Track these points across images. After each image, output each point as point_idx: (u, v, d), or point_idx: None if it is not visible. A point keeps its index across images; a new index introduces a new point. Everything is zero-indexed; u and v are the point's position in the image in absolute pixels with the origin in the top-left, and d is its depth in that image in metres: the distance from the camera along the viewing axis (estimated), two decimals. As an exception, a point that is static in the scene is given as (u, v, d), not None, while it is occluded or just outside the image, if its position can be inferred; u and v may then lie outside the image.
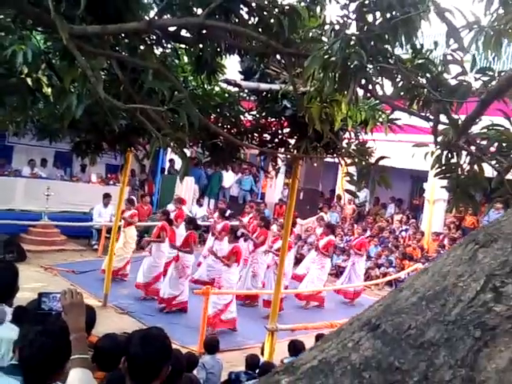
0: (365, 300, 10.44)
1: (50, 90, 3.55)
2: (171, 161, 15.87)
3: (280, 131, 5.24)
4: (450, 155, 2.91)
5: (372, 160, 3.39)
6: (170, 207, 12.04)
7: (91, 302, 7.89)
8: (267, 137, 5.35)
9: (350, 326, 1.01)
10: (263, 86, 4.32)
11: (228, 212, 11.49)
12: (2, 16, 3.02)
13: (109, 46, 3.06)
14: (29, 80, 3.36)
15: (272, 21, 2.82)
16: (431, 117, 2.92)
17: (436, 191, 12.27)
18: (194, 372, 4.78)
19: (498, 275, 0.93)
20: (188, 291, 8.48)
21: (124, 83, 2.99)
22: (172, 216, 10.04)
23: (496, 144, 2.75)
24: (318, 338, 5.77)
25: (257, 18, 3.10)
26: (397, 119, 4.11)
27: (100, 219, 12.08)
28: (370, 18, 2.50)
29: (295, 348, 5.34)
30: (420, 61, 2.84)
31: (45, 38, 3.52)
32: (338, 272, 12.15)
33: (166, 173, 15.73)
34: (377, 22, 2.39)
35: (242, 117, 5.25)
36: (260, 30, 3.06)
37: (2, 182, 11.77)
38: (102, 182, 13.71)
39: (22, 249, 10.21)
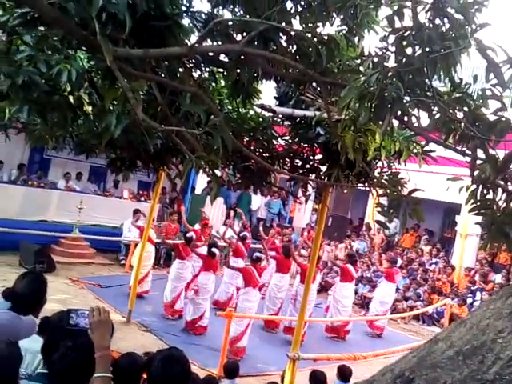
0: (390, 333, 10.20)
1: (90, 108, 3.66)
2: (209, 182, 16.02)
3: (312, 157, 5.24)
4: (485, 191, 2.85)
5: (404, 191, 3.36)
6: (197, 226, 12.13)
7: (115, 317, 7.95)
8: (299, 162, 5.36)
9: (383, 377, 0.98)
10: (297, 112, 4.34)
11: (243, 233, 11.54)
12: (49, 36, 3.15)
13: (149, 68, 3.15)
14: (71, 98, 3.48)
15: (310, 49, 2.86)
16: (467, 151, 2.88)
17: (469, 225, 11.99)
18: (213, 396, 4.73)
19: (540, 333, 0.88)
20: (209, 314, 8.45)
21: (162, 105, 3.06)
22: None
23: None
24: (340, 369, 5.64)
25: (295, 47, 3.15)
26: (431, 151, 4.06)
27: (129, 234, 12.24)
28: (408, 50, 2.50)
29: (316, 379, 5.23)
30: (458, 94, 2.82)
31: (88, 57, 3.65)
32: (363, 302, 11.92)
33: (197, 192, 15.88)
34: (416, 55, 2.38)
35: (274, 141, 5.29)
36: (298, 58, 3.11)
37: (38, 194, 12.11)
38: (134, 198, 13.93)
39: (52, 260, 10.41)
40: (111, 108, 3.40)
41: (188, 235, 9.51)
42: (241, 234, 11.52)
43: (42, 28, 3.12)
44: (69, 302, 7.88)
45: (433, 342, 1.01)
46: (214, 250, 8.71)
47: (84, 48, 3.41)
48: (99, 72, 3.40)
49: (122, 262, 12.27)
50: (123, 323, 8.09)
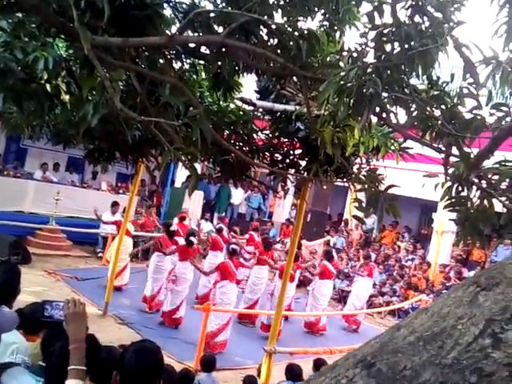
0: (366, 328, 10.32)
1: (67, 97, 3.60)
2: (189, 176, 15.95)
3: (291, 152, 5.26)
4: (460, 188, 2.90)
5: (382, 187, 3.39)
6: (175, 221, 12.09)
7: (92, 310, 7.87)
8: (278, 157, 5.37)
9: (345, 362, 1.00)
10: (278, 106, 4.35)
11: (218, 226, 11.65)
12: (26, 22, 3.08)
13: (129, 58, 3.11)
14: (48, 86, 3.42)
15: (291, 44, 2.86)
16: (443, 148, 2.92)
17: (445, 222, 12.18)
18: (189, 389, 4.73)
19: (498, 320, 0.91)
20: (185, 307, 8.44)
21: (141, 95, 3.03)
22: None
23: (508, 180, 2.74)
24: (316, 363, 5.69)
25: (276, 40, 3.15)
26: (409, 148, 4.11)
27: (106, 227, 12.11)
28: (388, 47, 2.52)
29: (292, 372, 5.27)
30: (436, 92, 2.85)
31: (67, 46, 3.59)
32: (341, 297, 12.04)
33: (177, 185, 15.80)
34: (394, 52, 2.41)
35: (254, 135, 5.28)
36: (278, 51, 3.11)
37: (14, 184, 11.87)
38: (112, 191, 13.78)
39: (28, 252, 10.23)
40: (89, 98, 3.36)
41: (171, 228, 9.48)
42: (217, 227, 11.57)
43: (18, 14, 3.06)
44: (44, 294, 7.75)
45: (395, 329, 1.03)
46: (191, 238, 8.72)
47: (62, 36, 3.36)
48: (77, 61, 3.34)
49: (100, 254, 12.14)
50: (99, 316, 8.02)
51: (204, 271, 8.94)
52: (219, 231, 11.19)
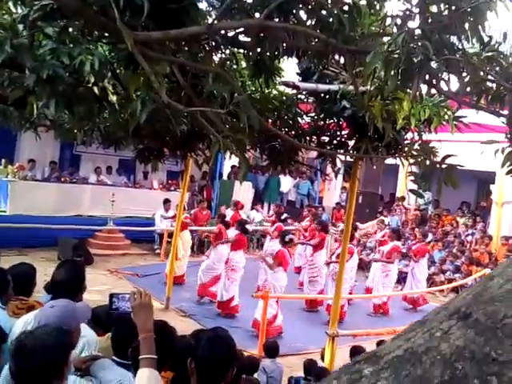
0: (429, 307, 10.07)
1: (115, 97, 3.68)
2: (233, 167, 16.06)
3: (338, 132, 5.16)
4: (523, 152, 2.75)
5: (436, 160, 3.26)
6: (229, 212, 12.21)
7: (154, 304, 8.07)
8: (325, 139, 5.28)
9: (437, 316, 0.96)
10: (322, 86, 4.27)
11: (284, 215, 11.63)
12: (70, 27, 3.16)
13: (169, 52, 3.13)
14: (95, 89, 3.51)
15: (331, 19, 2.78)
16: (502, 112, 2.78)
17: (505, 193, 11.67)
18: (255, 375, 4.78)
19: None
20: (237, 295, 8.52)
21: (185, 88, 3.05)
22: (229, 219, 10.23)
23: None
24: (380, 344, 5.60)
25: (315, 18, 3.08)
26: (463, 117, 3.93)
27: (161, 224, 12.40)
28: (433, 9, 2.41)
29: (357, 354, 5.21)
30: (489, 53, 2.71)
31: (109, 49, 3.66)
32: (400, 277, 11.79)
33: (225, 178, 15.94)
34: (442, 14, 2.29)
35: (299, 119, 5.22)
36: (318, 29, 3.04)
37: (71, 189, 12.37)
38: (164, 188, 14.08)
39: (90, 253, 10.61)
40: (134, 97, 3.42)
41: (227, 219, 9.64)
42: (282, 217, 11.63)
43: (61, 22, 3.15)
44: (108, 292, 8.05)
45: (487, 279, 0.98)
46: (246, 226, 8.83)
47: (104, 38, 3.43)
48: (120, 62, 3.41)
49: (157, 251, 12.46)
50: (162, 310, 8.25)
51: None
52: (284, 221, 11.27)
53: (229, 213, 12.12)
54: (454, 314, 0.92)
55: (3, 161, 12.37)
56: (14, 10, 3.28)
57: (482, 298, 0.92)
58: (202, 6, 3.46)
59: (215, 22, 2.70)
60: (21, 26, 2.98)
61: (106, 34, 3.22)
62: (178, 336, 2.76)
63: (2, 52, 2.70)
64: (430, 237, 12.18)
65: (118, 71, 3.70)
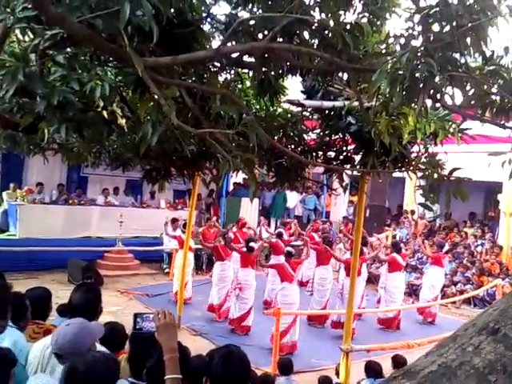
0: (442, 319, 9.99)
1: (123, 121, 3.75)
2: (238, 184, 16.13)
3: (344, 148, 5.20)
4: (530, 163, 2.77)
5: (444, 172, 3.29)
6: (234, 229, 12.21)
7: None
8: (332, 154, 5.32)
9: (466, 332, 1.00)
10: (326, 103, 4.32)
11: (278, 230, 11.60)
12: (79, 54, 3.24)
13: (177, 75, 3.20)
14: (104, 113, 3.58)
15: (334, 39, 2.84)
16: (506, 124, 2.80)
17: (513, 202, 11.63)
18: (270, 394, 4.75)
19: None
20: (253, 313, 8.50)
21: (193, 110, 3.11)
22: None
23: None
24: (395, 359, 5.56)
25: (318, 38, 3.14)
26: (468, 129, 3.97)
27: (170, 243, 12.42)
28: (435, 28, 2.46)
29: (372, 369, 5.19)
30: (491, 67, 2.75)
31: (115, 73, 3.74)
32: (411, 290, 11.71)
33: (229, 196, 15.99)
34: (444, 31, 2.34)
35: (305, 136, 5.27)
36: (322, 49, 3.09)
37: (79, 211, 12.45)
38: (171, 207, 14.13)
39: (99, 274, 10.58)
40: (143, 120, 3.48)
41: (227, 236, 9.65)
42: (276, 231, 11.59)
43: (69, 49, 3.22)
44: (120, 313, 8.08)
45: (510, 296, 1.01)
46: (251, 244, 8.77)
47: (112, 63, 3.51)
48: (128, 86, 3.48)
49: (166, 270, 12.47)
50: (173, 330, 8.22)
51: (263, 264, 8.89)
52: (279, 236, 11.20)
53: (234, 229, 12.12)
54: (482, 329, 0.95)
55: (12, 185, 12.50)
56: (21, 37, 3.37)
57: (508, 314, 0.95)
58: (205, 27, 3.55)
59: (221, 45, 2.75)
60: (31, 55, 3.05)
61: (113, 59, 3.31)
62: (192, 355, 2.76)
63: (15, 81, 2.76)
64: (447, 247, 12.04)
65: (125, 95, 3.78)
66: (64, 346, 2.41)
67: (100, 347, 2.86)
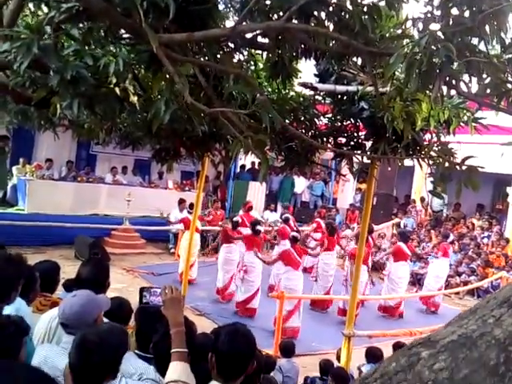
0: (445, 309, 10.01)
1: (135, 98, 3.74)
2: (243, 167, 16.12)
3: (356, 134, 5.16)
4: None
5: (455, 161, 3.26)
6: (241, 212, 12.26)
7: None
8: (342, 140, 5.28)
9: (487, 304, 1.01)
10: (340, 87, 4.28)
11: (291, 218, 11.60)
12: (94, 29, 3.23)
13: (191, 53, 3.18)
14: (117, 89, 3.57)
15: (352, 21, 2.80)
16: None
17: (522, 195, 11.55)
18: (271, 374, 4.81)
19: None
20: (259, 296, 8.55)
21: (206, 89, 3.09)
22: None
23: None
24: (396, 346, 5.58)
25: (335, 20, 3.10)
26: (482, 118, 3.92)
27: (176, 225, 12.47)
28: (454, 12, 2.42)
29: (373, 354, 5.22)
30: (509, 55, 2.70)
31: (128, 51, 3.72)
32: (415, 279, 11.73)
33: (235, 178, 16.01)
34: (463, 16, 2.31)
35: (316, 120, 5.23)
36: (338, 31, 3.06)
37: (88, 189, 12.52)
38: (178, 188, 14.17)
39: (106, 251, 10.67)
40: (155, 98, 3.47)
41: (235, 219, 9.69)
42: (283, 217, 11.61)
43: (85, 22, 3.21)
44: (125, 290, 8.17)
45: None
46: (257, 227, 8.81)
47: (125, 41, 3.49)
48: (140, 64, 3.46)
49: (172, 250, 12.56)
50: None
51: (267, 261, 8.98)
52: (286, 221, 11.22)
53: (240, 212, 12.16)
54: (503, 302, 0.96)
55: (21, 160, 12.57)
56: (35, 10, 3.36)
57: (530, 289, 0.95)
58: (221, 6, 3.52)
59: (237, 24, 2.73)
60: (47, 28, 3.04)
61: (128, 36, 3.29)
62: (198, 333, 2.79)
63: (29, 53, 2.75)
64: (452, 237, 12.02)
65: (137, 73, 3.76)
66: (70, 316, 2.44)
67: (105, 321, 2.90)
